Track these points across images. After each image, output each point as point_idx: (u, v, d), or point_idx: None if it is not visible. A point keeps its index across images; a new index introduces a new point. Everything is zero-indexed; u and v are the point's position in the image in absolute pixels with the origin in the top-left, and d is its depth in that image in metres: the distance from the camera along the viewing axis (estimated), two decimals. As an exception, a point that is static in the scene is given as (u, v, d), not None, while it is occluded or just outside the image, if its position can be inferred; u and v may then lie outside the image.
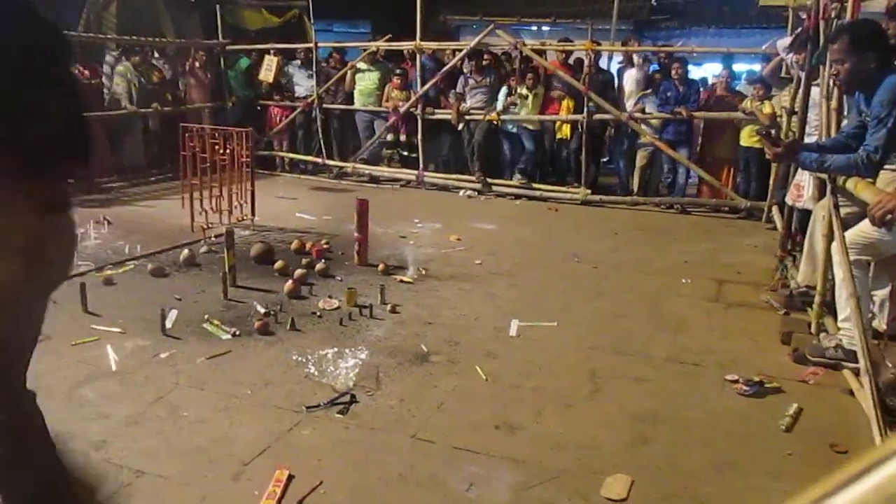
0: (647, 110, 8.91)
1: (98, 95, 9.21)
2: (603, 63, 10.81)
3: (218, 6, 10.97)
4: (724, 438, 3.39)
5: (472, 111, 9.48)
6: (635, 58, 9.39)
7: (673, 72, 8.82)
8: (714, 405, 3.73)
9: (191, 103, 10.55)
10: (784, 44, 7.00)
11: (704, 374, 4.11)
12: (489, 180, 9.43)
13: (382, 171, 10.31)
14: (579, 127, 9.12)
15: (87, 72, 9.02)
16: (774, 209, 7.69)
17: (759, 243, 7.11)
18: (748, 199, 8.42)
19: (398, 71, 10.19)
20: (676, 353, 4.41)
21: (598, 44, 9.06)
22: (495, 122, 9.29)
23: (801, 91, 5.95)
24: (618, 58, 9.08)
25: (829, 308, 4.39)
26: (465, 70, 9.78)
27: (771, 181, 7.90)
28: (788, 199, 5.95)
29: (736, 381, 3.92)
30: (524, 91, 9.23)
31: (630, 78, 9.22)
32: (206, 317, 4.64)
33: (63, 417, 3.35)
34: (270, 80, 10.77)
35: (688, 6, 15.23)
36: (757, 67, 9.52)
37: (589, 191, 9.03)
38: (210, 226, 6.74)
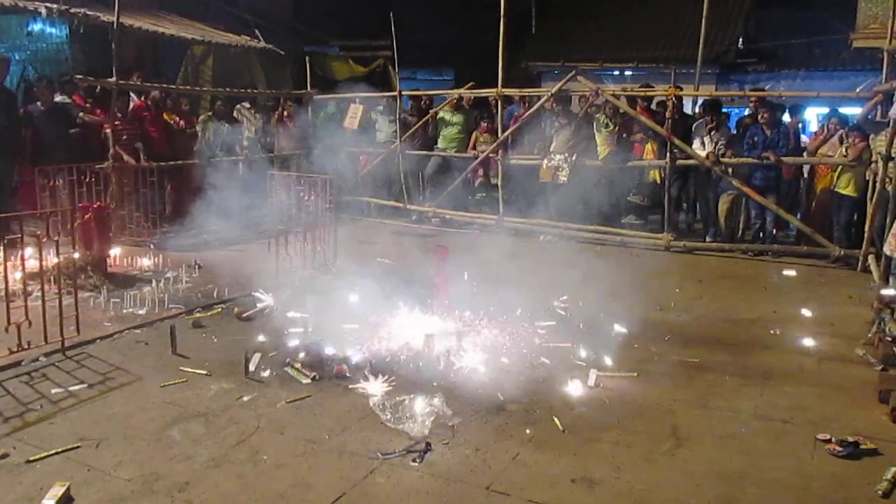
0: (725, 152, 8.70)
1: (192, 144, 9.65)
2: (687, 108, 10.70)
3: (308, 58, 11.43)
4: (816, 502, 3.22)
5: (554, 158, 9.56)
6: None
7: (759, 116, 8.63)
8: (805, 466, 3.55)
9: (279, 151, 10.93)
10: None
11: (794, 432, 3.92)
12: (570, 225, 9.39)
13: (462, 215, 10.38)
14: (661, 172, 9.01)
15: (182, 122, 9.48)
16: (871, 258, 7.35)
17: (854, 294, 6.77)
18: (842, 247, 8.04)
19: (485, 116, 10.48)
20: (764, 408, 4.23)
21: (681, 88, 8.94)
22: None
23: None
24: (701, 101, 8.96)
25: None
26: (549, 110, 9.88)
27: (866, 229, 7.56)
28: (886, 250, 5.70)
29: (828, 441, 3.73)
30: (603, 118, 9.33)
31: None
32: (287, 360, 4.75)
33: (150, 457, 3.48)
34: (355, 126, 11.09)
35: (776, 49, 14.89)
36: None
37: (672, 236, 8.85)
38: (294, 270, 6.91)
